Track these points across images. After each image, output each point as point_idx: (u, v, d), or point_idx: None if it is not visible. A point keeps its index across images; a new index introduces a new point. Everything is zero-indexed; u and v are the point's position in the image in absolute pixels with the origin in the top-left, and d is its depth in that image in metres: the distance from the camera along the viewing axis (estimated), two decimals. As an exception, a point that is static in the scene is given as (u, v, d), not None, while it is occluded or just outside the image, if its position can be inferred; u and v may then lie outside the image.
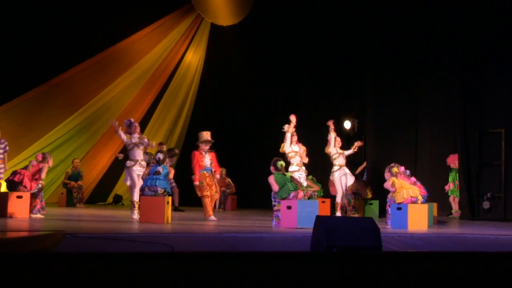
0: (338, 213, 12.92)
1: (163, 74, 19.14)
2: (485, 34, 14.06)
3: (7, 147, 12.38)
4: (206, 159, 11.83)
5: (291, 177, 10.53)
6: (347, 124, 15.57)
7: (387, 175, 10.82)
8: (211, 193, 11.66)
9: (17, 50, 15.75)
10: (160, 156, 10.94)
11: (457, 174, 14.47)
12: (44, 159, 11.14)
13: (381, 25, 15.97)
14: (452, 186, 14.67)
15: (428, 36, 15.27)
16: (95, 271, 4.24)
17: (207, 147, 11.95)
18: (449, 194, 14.73)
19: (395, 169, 10.82)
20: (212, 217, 11.32)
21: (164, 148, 14.44)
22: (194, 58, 19.56)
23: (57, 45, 16.33)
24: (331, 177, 13.29)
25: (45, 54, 16.14)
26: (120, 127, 11.56)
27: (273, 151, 12.03)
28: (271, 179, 10.35)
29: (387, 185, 10.71)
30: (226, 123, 18.21)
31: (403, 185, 10.47)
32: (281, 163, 10.52)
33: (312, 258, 4.95)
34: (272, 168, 10.51)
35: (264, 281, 4.48)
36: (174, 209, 14.46)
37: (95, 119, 17.79)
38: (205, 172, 11.71)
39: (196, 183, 11.58)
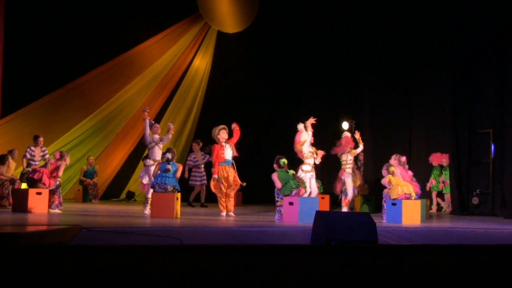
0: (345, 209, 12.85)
1: (172, 79, 19.16)
2: (475, 39, 14.06)
3: (47, 155, 12.61)
4: (227, 150, 11.15)
5: (293, 174, 10.51)
6: (345, 125, 15.53)
7: (384, 172, 10.80)
8: (227, 188, 11.04)
9: (36, 57, 15.80)
10: (169, 155, 10.86)
11: (437, 172, 14.62)
12: (61, 157, 11.15)
13: (378, 30, 16.01)
14: (434, 182, 14.83)
15: (422, 41, 15.29)
16: (108, 262, 4.25)
17: (226, 136, 11.25)
18: (432, 190, 14.88)
19: (392, 168, 10.80)
20: (224, 213, 11.11)
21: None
22: (201, 63, 19.57)
23: (74, 52, 16.38)
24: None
25: (62, 60, 16.20)
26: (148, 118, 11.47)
27: (276, 151, 12.00)
28: (274, 177, 10.34)
29: (384, 181, 10.70)
30: (231, 122, 18.18)
31: (398, 183, 10.47)
32: (284, 160, 10.50)
33: (312, 251, 4.96)
34: (275, 166, 10.50)
35: (267, 272, 4.49)
36: (201, 205, 14.78)
37: (109, 121, 17.81)
38: (225, 165, 11.07)
39: (215, 176, 10.96)
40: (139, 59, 18.03)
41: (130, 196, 18.26)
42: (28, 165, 12.65)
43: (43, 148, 13.00)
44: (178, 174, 10.69)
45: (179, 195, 10.39)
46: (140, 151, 16.97)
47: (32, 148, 12.84)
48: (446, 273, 4.85)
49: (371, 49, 16.29)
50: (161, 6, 17.81)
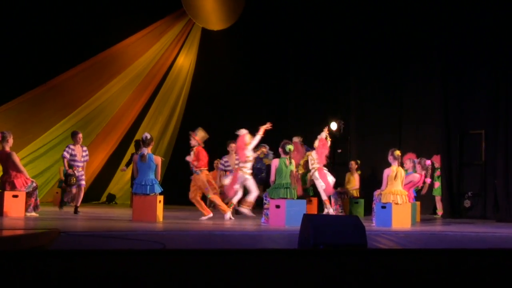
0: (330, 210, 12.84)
1: (155, 77, 19.12)
2: (465, 37, 14.15)
3: (88, 157, 12.35)
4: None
5: (291, 172, 10.33)
6: (334, 126, 15.58)
7: (390, 158, 10.66)
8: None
9: (12, 54, 15.69)
10: (147, 135, 10.67)
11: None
12: (3, 139, 10.73)
13: (366, 30, 16.07)
14: (438, 185, 14.69)
15: (410, 39, 15.34)
16: (88, 267, 4.23)
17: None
18: (435, 194, 14.74)
19: (397, 152, 10.69)
20: (228, 214, 11.24)
21: None
22: (185, 61, 19.55)
23: (52, 49, 16.27)
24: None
25: (40, 57, 16.09)
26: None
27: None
28: (275, 164, 10.26)
29: (387, 172, 10.53)
30: (216, 124, 18.18)
31: (393, 191, 10.37)
32: (290, 147, 10.39)
33: (299, 255, 4.96)
34: (280, 150, 10.41)
35: (253, 277, 4.49)
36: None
37: (89, 121, 17.74)
38: (206, 169, 11.40)
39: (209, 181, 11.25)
40: (121, 56, 17.98)
41: (111, 199, 18.21)
42: (70, 166, 12.04)
43: (84, 148, 12.38)
44: (159, 171, 10.59)
45: (161, 197, 10.37)
46: (122, 152, 16.93)
47: (72, 147, 12.15)
48: (437, 278, 4.87)
49: (358, 47, 16.35)
50: (144, 2, 17.79)
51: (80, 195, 12.07)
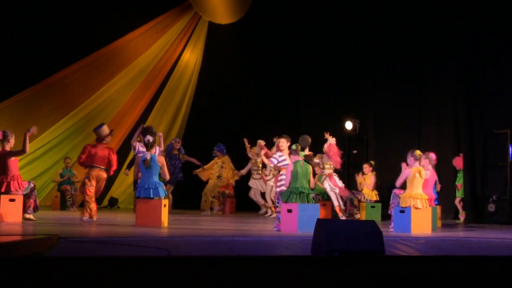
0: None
1: (159, 74, 19.13)
2: (489, 32, 14.08)
3: None
4: None
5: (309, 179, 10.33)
6: (349, 125, 15.57)
7: (410, 159, 10.59)
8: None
9: (7, 49, 15.72)
10: (150, 138, 10.72)
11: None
12: (4, 138, 10.79)
13: (383, 24, 16.03)
14: (460, 187, 14.53)
15: (431, 36, 15.31)
16: (89, 276, 4.24)
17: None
18: (457, 196, 14.60)
19: (418, 152, 10.63)
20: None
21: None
22: (191, 57, 19.56)
23: (51, 44, 16.30)
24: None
25: (38, 53, 16.12)
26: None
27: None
28: (290, 168, 10.24)
29: (406, 173, 10.48)
30: (224, 123, 18.21)
31: (413, 194, 10.31)
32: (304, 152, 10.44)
33: (312, 262, 4.96)
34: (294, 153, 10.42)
35: (263, 286, 4.48)
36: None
37: (90, 120, 17.76)
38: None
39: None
40: (123, 52, 18.01)
41: (113, 203, 18.23)
42: None
43: None
44: (165, 171, 10.64)
45: (166, 201, 10.39)
46: (124, 153, 16.95)
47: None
48: (459, 287, 4.85)
49: (374, 42, 16.31)
50: (147, -5, 17.82)
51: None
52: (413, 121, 15.69)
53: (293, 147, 10.43)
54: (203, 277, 4.41)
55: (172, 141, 15.63)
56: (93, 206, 11.14)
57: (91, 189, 11.15)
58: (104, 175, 11.38)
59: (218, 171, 15.36)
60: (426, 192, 10.57)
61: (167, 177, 10.79)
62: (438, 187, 13.12)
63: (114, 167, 11.55)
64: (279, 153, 12.10)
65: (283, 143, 11.53)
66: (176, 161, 15.16)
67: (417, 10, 15.36)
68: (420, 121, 15.63)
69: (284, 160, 11.43)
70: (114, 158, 11.47)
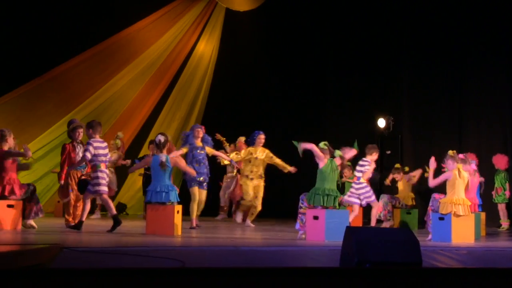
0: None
1: (172, 67, 19.18)
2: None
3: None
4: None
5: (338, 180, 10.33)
6: (381, 123, 15.53)
7: (448, 162, 10.51)
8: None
9: (6, 40, 15.84)
10: (161, 138, 10.77)
11: (504, 177, 14.34)
12: (2, 137, 10.74)
13: (420, 14, 15.98)
14: (500, 191, 14.39)
15: (474, 30, 15.25)
16: (95, 289, 4.27)
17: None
18: (495, 201, 14.47)
19: (451, 152, 10.51)
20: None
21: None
22: (207, 48, 19.58)
23: (53, 34, 16.41)
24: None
25: (39, 45, 16.23)
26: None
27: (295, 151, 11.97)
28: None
29: (446, 176, 10.43)
30: (242, 119, 18.21)
31: (454, 200, 10.24)
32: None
33: (341, 275, 4.96)
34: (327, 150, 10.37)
35: (287, 300, 4.49)
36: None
37: (96, 118, 17.79)
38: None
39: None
40: (132, 42, 18.08)
41: (121, 208, 18.31)
42: None
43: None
44: (184, 167, 10.82)
45: (180, 207, 10.42)
46: (133, 154, 17.02)
47: None
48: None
49: (412, 34, 16.26)
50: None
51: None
52: (453, 118, 15.64)
53: (322, 145, 10.34)
54: (220, 290, 4.43)
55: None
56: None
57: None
58: None
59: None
60: (468, 197, 10.50)
61: (194, 172, 10.99)
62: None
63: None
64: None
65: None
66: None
67: (459, 4, 15.29)
68: (461, 119, 15.57)
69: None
70: None
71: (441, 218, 10.30)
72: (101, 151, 10.80)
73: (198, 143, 12.16)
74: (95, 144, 10.70)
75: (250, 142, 13.48)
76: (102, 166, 10.79)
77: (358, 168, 12.32)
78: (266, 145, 14.12)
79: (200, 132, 12.27)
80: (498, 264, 7.23)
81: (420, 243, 5.83)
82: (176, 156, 11.16)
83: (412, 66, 16.43)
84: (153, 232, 10.10)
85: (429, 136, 15.74)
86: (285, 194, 15.90)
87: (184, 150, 12.06)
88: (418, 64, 16.26)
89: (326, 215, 9.80)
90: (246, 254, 7.48)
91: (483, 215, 12.18)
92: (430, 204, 10.81)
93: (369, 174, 12.23)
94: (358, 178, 12.16)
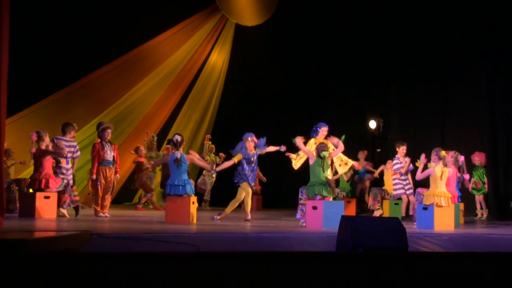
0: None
1: (188, 75, 19.20)
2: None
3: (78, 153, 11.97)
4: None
5: (326, 178, 10.25)
6: (372, 124, 15.51)
7: (434, 158, 10.52)
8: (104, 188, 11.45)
9: (45, 52, 15.89)
10: (178, 138, 10.78)
11: (482, 172, 14.27)
12: (39, 138, 10.84)
13: (408, 26, 15.95)
14: (479, 185, 14.32)
15: (455, 36, 15.18)
16: (121, 270, 4.26)
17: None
18: (474, 193, 14.42)
19: (443, 153, 10.55)
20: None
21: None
22: (219, 58, 19.60)
23: (83, 47, 16.44)
24: None
25: (72, 55, 16.27)
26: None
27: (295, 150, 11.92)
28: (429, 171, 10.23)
29: (430, 172, 10.42)
30: (251, 123, 18.21)
31: (437, 192, 10.24)
32: (325, 153, 10.24)
33: (337, 258, 4.95)
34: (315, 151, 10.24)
35: (289, 281, 4.48)
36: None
37: (121, 120, 17.89)
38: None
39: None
40: (152, 54, 18.10)
41: (146, 201, 18.31)
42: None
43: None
44: (200, 163, 10.85)
45: (195, 199, 10.45)
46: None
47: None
48: (483, 282, 4.81)
49: (400, 44, 16.22)
50: (175, -2, 17.89)
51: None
52: (437, 120, 15.60)
53: (324, 153, 10.28)
54: (231, 272, 4.42)
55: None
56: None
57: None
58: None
59: None
60: (449, 190, 10.49)
61: (208, 167, 11.02)
62: (470, 186, 12.98)
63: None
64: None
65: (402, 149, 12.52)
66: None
67: (443, 15, 15.25)
68: (444, 121, 15.53)
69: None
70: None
71: (425, 208, 10.29)
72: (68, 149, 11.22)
73: (252, 151, 11.63)
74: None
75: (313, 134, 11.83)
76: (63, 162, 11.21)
77: (394, 167, 12.64)
78: (272, 144, 14.17)
79: (251, 144, 11.65)
80: (475, 248, 7.20)
81: (406, 230, 5.81)
82: (192, 154, 11.15)
83: (400, 74, 16.43)
84: (172, 220, 10.13)
85: (414, 136, 15.69)
86: (287, 187, 15.87)
87: (235, 159, 11.50)
88: (405, 72, 16.25)
89: (324, 206, 9.79)
90: (254, 240, 7.47)
91: (462, 205, 12.14)
92: (415, 198, 10.81)
93: (405, 168, 12.31)
94: (401, 174, 12.26)
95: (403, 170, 12.34)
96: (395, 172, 12.65)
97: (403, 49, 16.16)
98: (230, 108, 18.88)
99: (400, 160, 12.55)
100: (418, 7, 15.68)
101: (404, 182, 12.45)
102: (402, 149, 12.48)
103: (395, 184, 12.54)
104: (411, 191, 12.23)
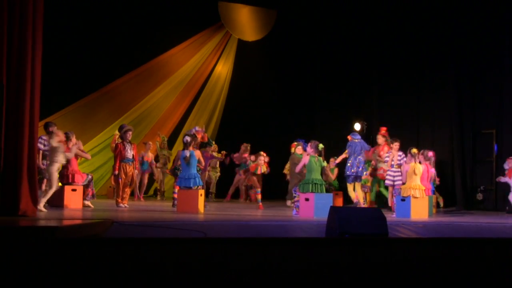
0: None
1: (196, 84, 19.20)
2: (478, 43, 14.07)
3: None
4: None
5: (323, 168, 10.21)
6: (357, 126, 15.49)
7: (408, 156, 10.55)
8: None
9: (73, 63, 15.97)
10: (188, 138, 10.79)
11: None
12: (67, 138, 10.50)
13: (386, 41, 16.08)
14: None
15: (427, 49, 15.25)
16: (138, 253, 4.27)
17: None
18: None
19: (414, 150, 10.54)
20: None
21: None
22: (223, 69, 19.58)
23: (107, 58, 16.48)
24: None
25: (96, 66, 16.32)
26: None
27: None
28: (304, 160, 10.09)
29: (405, 168, 10.45)
30: (251, 126, 18.24)
31: (412, 186, 10.25)
32: (321, 145, 10.23)
33: (327, 243, 4.95)
34: (310, 148, 10.15)
35: (285, 262, 4.49)
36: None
37: (139, 122, 17.87)
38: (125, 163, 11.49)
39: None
40: (166, 65, 18.12)
41: (158, 193, 18.30)
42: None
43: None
44: (202, 162, 10.80)
45: (202, 191, 10.45)
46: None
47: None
48: (452, 264, 4.82)
49: (380, 56, 16.31)
50: (187, 16, 17.88)
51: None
52: (413, 122, 15.62)
53: (321, 145, 10.26)
54: (234, 255, 4.42)
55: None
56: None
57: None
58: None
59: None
60: (423, 184, 10.51)
61: (203, 165, 11.04)
62: (437, 180, 12.91)
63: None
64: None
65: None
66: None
67: (415, 26, 15.32)
68: (418, 123, 15.55)
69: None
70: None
71: (403, 200, 10.32)
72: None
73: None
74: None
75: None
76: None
77: (384, 159, 12.41)
78: (269, 146, 14.22)
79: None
80: (447, 234, 7.21)
81: (387, 219, 5.81)
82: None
83: (380, 82, 16.46)
84: (182, 210, 10.14)
85: (394, 136, 15.67)
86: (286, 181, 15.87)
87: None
88: (385, 80, 16.28)
89: (315, 198, 9.80)
90: (254, 227, 7.47)
91: (434, 197, 12.14)
92: (394, 191, 10.84)
93: (390, 162, 12.05)
94: (392, 166, 11.99)
95: (388, 164, 12.14)
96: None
97: (383, 60, 16.25)
98: (234, 113, 18.87)
99: (390, 154, 12.19)
100: (394, 24, 15.79)
101: (395, 174, 12.06)
102: (395, 145, 12.23)
103: (387, 175, 12.22)
104: (400, 183, 11.99)
